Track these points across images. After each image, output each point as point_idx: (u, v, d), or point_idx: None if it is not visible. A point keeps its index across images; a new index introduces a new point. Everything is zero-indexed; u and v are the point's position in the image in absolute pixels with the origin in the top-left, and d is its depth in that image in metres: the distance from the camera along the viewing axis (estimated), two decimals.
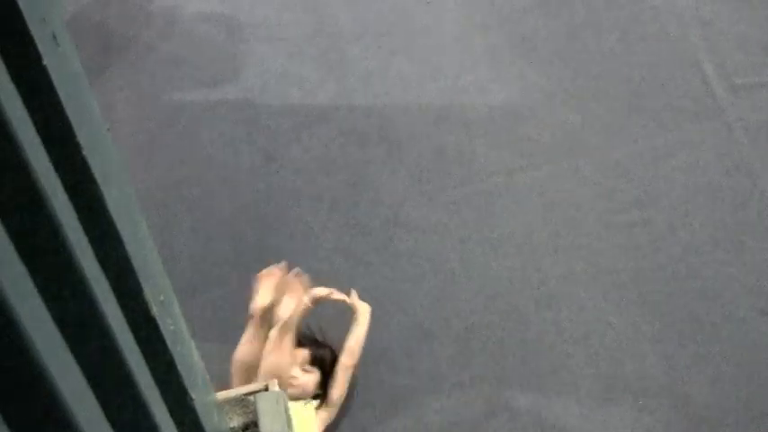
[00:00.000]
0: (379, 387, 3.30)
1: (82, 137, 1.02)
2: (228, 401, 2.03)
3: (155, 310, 1.20)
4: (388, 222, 3.73)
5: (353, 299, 3.28)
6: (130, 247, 1.12)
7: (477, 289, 3.53)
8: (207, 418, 1.50)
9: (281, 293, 3.20)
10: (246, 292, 3.48)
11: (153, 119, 4.30)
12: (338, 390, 3.15)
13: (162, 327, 1.24)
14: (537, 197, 3.80)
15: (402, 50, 4.46)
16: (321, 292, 3.15)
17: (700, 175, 3.80)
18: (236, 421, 1.98)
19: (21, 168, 0.89)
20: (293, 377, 3.09)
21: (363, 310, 3.26)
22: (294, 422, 2.78)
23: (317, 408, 3.14)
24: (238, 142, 4.15)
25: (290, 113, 4.24)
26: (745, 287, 3.44)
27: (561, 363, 3.32)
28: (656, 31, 4.36)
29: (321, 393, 3.17)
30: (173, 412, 1.37)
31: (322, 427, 3.12)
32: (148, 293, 1.19)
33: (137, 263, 1.14)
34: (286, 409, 2.02)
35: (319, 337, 3.27)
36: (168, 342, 1.27)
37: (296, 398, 3.05)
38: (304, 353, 3.17)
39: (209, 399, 1.60)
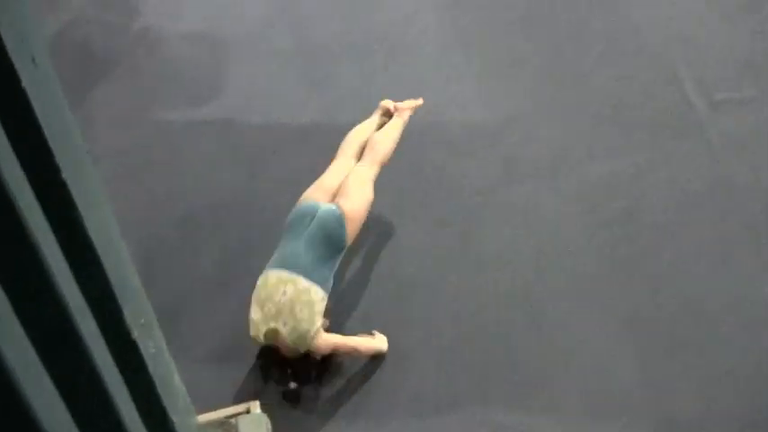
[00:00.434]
0: (362, 406, 3.29)
1: (61, 159, 1.01)
2: (210, 424, 2.02)
3: (135, 334, 1.20)
4: (370, 240, 3.73)
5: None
6: (110, 271, 1.12)
7: (459, 307, 3.52)
8: None
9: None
10: (230, 311, 3.46)
11: (136, 137, 4.29)
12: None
13: (143, 350, 1.23)
14: (520, 214, 3.81)
15: (384, 68, 4.47)
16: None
17: (681, 191, 3.82)
18: None
19: None
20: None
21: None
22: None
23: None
24: (222, 160, 4.14)
25: (274, 131, 4.24)
26: (729, 302, 3.44)
27: (544, 381, 3.31)
28: (637, 48, 4.40)
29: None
30: None
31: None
32: (129, 317, 1.18)
33: (117, 287, 1.14)
34: (267, 431, 2.02)
35: None
36: (149, 365, 1.26)
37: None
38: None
39: (191, 421, 1.59)
